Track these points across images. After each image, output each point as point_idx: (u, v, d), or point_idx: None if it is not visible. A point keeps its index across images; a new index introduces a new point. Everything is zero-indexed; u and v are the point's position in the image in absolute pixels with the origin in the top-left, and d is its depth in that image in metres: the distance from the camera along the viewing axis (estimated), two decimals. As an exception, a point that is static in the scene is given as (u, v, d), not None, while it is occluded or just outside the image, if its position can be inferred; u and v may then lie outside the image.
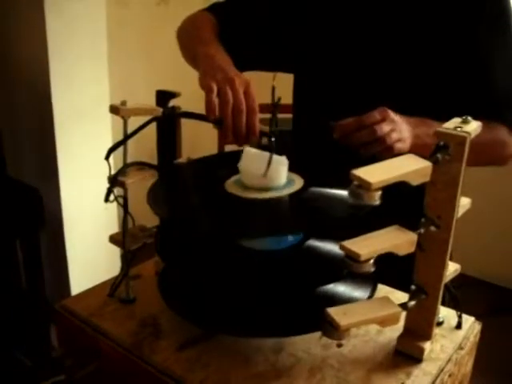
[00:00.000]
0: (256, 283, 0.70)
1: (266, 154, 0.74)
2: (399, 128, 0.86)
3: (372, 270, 0.58)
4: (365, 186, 0.56)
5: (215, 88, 0.78)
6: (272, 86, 0.74)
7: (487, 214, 2.49)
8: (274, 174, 0.74)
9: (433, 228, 0.64)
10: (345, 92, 1.05)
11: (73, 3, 2.01)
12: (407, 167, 0.60)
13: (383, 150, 0.84)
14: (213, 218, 0.72)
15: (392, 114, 0.86)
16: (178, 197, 0.78)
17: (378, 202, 0.56)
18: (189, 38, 1.08)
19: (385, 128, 0.83)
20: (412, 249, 0.62)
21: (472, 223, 1.11)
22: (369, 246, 0.58)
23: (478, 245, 2.58)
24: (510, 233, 2.72)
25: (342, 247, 0.58)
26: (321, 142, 0.83)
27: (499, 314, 2.59)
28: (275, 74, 0.77)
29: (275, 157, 0.74)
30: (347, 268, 0.58)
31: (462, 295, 0.77)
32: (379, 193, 0.56)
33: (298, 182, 0.77)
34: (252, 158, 0.74)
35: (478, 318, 0.80)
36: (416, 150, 0.89)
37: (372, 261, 0.58)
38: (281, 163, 0.75)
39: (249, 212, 0.72)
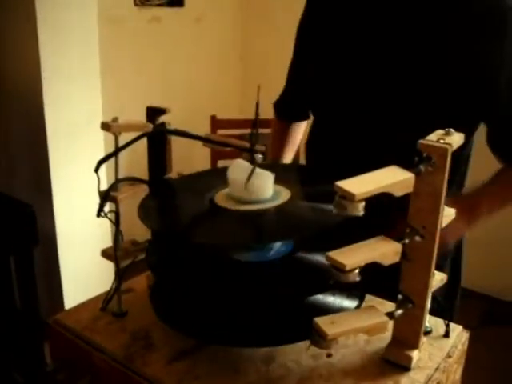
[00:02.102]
0: (245, 294, 0.71)
1: (251, 167, 0.75)
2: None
3: (357, 279, 0.59)
4: (349, 197, 0.57)
5: None
6: (256, 102, 0.75)
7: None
8: (258, 187, 0.75)
9: (417, 238, 0.66)
10: (360, 123, 1.03)
11: (66, 20, 2.04)
12: (390, 179, 0.61)
13: None
14: (200, 229, 0.74)
15: None
16: (167, 210, 0.79)
17: (361, 213, 0.58)
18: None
19: None
20: (397, 259, 0.63)
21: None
22: (354, 256, 0.60)
23: (469, 255, 2.59)
24: (502, 243, 2.74)
25: (327, 257, 0.60)
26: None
27: (491, 324, 2.60)
28: (259, 88, 0.76)
29: (261, 170, 0.76)
30: (333, 278, 0.59)
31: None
32: (363, 204, 0.58)
33: (285, 195, 0.78)
34: (239, 171, 0.76)
35: (470, 329, 0.81)
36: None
37: (357, 271, 0.59)
38: (266, 177, 0.76)
39: (236, 223, 0.74)
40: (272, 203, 0.76)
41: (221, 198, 0.78)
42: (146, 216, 0.72)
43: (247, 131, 2.67)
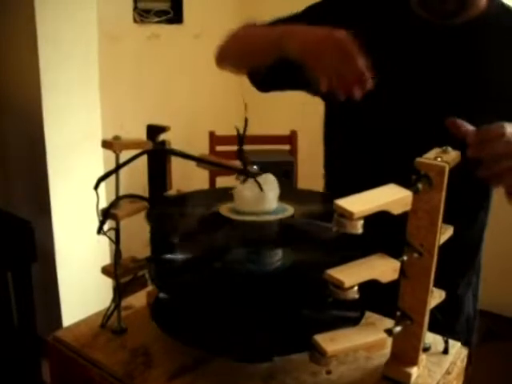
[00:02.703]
0: (246, 307, 0.72)
1: (259, 181, 0.77)
2: None
3: (356, 296, 0.60)
4: (347, 215, 0.58)
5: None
6: (245, 118, 0.76)
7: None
8: (264, 200, 0.77)
9: (416, 255, 0.67)
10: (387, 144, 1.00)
11: (66, 35, 2.06)
12: (388, 197, 0.62)
13: (507, 169, 0.75)
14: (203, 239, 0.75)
15: None
16: (175, 224, 0.80)
17: (360, 231, 0.58)
18: (244, 35, 1.07)
19: None
20: (395, 276, 0.64)
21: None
22: (353, 273, 0.60)
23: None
24: (501, 258, 2.74)
25: (326, 275, 0.60)
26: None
27: (491, 340, 2.59)
28: (246, 105, 0.78)
29: (267, 184, 0.77)
30: (332, 295, 0.60)
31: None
32: (361, 222, 0.58)
33: (290, 210, 0.80)
34: (245, 185, 0.77)
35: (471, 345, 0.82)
36: None
37: (356, 288, 0.60)
38: (271, 190, 0.78)
39: (240, 233, 0.75)
40: (278, 215, 0.77)
41: (225, 209, 0.80)
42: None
43: (246, 147, 2.69)
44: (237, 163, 0.81)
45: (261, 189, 0.76)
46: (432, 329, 0.76)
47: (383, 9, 1.01)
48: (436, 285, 0.71)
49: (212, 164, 0.83)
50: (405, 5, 0.99)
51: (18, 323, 1.98)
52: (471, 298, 1.12)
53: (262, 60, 0.95)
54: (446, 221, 0.68)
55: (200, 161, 0.80)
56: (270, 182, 0.79)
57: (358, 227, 0.58)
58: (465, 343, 0.88)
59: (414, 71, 0.98)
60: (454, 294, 1.07)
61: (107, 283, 1.80)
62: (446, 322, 0.78)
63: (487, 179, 0.76)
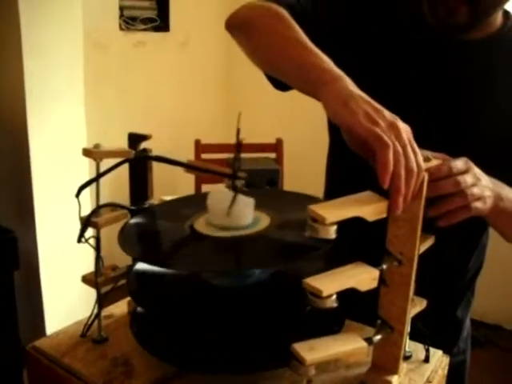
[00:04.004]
0: (225, 320, 0.71)
1: (231, 194, 0.76)
2: (481, 184, 0.75)
3: (335, 305, 0.60)
4: (320, 220, 0.58)
5: (386, 140, 0.62)
6: (237, 128, 0.76)
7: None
8: (238, 214, 0.76)
9: (395, 263, 0.67)
10: None
11: (51, 44, 2.05)
12: (363, 203, 0.62)
13: (459, 208, 0.73)
14: (179, 256, 0.74)
15: (475, 167, 0.75)
16: (147, 237, 0.79)
17: (333, 237, 0.58)
18: (280, 37, 0.85)
19: (468, 180, 0.73)
20: (374, 284, 0.64)
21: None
22: (331, 281, 0.60)
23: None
24: (493, 268, 2.75)
25: (304, 284, 0.60)
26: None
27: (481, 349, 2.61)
28: (240, 113, 0.76)
29: (241, 197, 0.76)
30: (310, 304, 0.60)
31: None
32: (334, 227, 0.58)
33: (265, 222, 0.79)
34: (218, 197, 0.76)
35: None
36: (495, 214, 0.80)
37: (334, 296, 0.60)
38: (246, 204, 0.77)
39: (214, 250, 0.74)
40: (251, 229, 0.76)
41: (200, 224, 0.78)
42: (125, 243, 0.72)
43: (231, 155, 2.69)
44: (225, 169, 0.80)
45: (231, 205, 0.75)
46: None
47: (399, 21, 0.99)
48: (435, 306, 0.72)
49: (198, 169, 0.83)
50: (421, 19, 0.96)
51: (0, 332, 1.96)
52: (469, 317, 1.13)
53: (290, 84, 0.83)
54: (449, 245, 0.68)
55: (188, 167, 0.79)
56: (247, 201, 0.78)
57: (331, 233, 0.58)
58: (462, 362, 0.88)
59: (423, 84, 0.96)
60: (453, 315, 1.08)
61: (91, 292, 1.78)
62: (446, 344, 0.78)
63: (436, 219, 0.74)
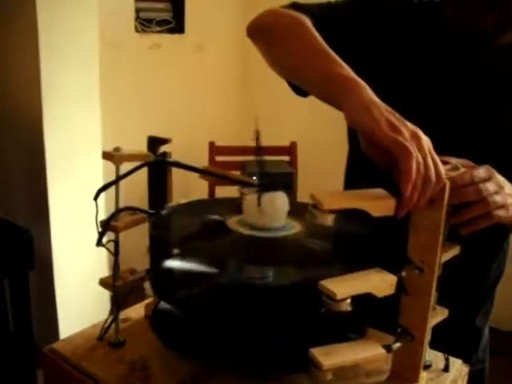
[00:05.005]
0: (250, 321, 0.71)
1: (271, 195, 0.77)
2: (504, 192, 0.74)
3: (349, 309, 0.60)
4: (319, 206, 0.59)
5: (410, 149, 0.62)
6: (256, 131, 0.76)
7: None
8: (274, 216, 0.77)
9: (416, 272, 0.66)
10: None
11: (67, 46, 2.07)
12: (368, 197, 0.63)
13: (481, 216, 0.73)
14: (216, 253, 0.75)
15: (498, 175, 0.75)
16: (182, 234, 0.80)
17: (329, 224, 0.60)
18: (303, 46, 0.84)
19: (490, 188, 0.72)
20: (391, 291, 0.63)
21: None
22: (346, 285, 0.60)
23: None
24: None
25: (320, 286, 0.60)
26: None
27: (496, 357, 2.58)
28: (256, 117, 0.76)
29: (277, 197, 0.77)
30: (325, 306, 0.60)
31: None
32: (332, 216, 0.59)
33: (296, 227, 0.80)
34: (256, 198, 0.78)
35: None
36: None
37: (349, 300, 0.60)
38: (282, 206, 0.78)
39: (251, 248, 0.75)
40: (284, 232, 0.77)
41: (233, 223, 0.79)
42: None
43: (246, 158, 2.69)
44: (243, 177, 0.80)
45: (273, 205, 0.77)
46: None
47: (421, 29, 0.98)
48: (455, 314, 0.72)
49: (218, 176, 0.83)
50: (444, 26, 0.95)
51: (15, 331, 1.97)
52: (487, 326, 1.12)
53: (312, 93, 0.83)
54: (470, 252, 0.68)
55: (205, 173, 0.79)
56: (281, 199, 0.79)
57: (328, 220, 0.59)
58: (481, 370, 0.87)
59: (446, 91, 0.95)
60: (472, 323, 1.07)
61: (104, 293, 1.80)
62: (465, 352, 0.77)
63: (458, 227, 0.73)
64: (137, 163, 0.78)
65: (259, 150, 0.76)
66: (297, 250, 0.77)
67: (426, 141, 0.65)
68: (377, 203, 0.62)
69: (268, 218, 0.77)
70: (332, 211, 0.60)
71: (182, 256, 0.75)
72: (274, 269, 0.75)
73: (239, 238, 0.76)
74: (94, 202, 0.75)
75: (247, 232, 0.77)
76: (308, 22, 0.88)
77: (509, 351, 2.69)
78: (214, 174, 0.82)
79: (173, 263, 0.79)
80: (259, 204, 0.76)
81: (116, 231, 0.75)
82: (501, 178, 0.75)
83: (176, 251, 0.75)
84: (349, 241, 0.80)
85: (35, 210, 2.16)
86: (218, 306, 0.74)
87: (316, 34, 0.84)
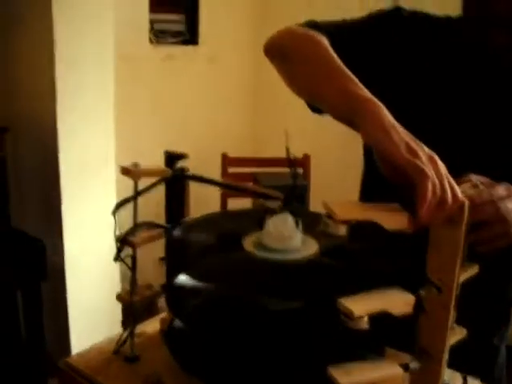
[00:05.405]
0: (263, 342, 0.70)
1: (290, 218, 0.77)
2: None
3: (366, 327, 0.60)
4: (332, 215, 0.60)
5: (427, 172, 0.63)
6: (286, 147, 0.76)
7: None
8: (294, 236, 0.77)
9: (435, 291, 0.66)
10: None
11: (83, 57, 2.09)
12: (383, 210, 0.63)
13: (499, 235, 0.73)
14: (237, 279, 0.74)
15: None
16: (197, 255, 0.79)
17: (343, 234, 0.61)
18: (321, 66, 0.84)
19: (510, 206, 0.72)
20: (408, 310, 0.63)
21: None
22: (364, 304, 0.60)
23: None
24: None
25: (338, 303, 0.60)
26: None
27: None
28: (286, 131, 0.76)
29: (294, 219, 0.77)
30: (343, 324, 0.60)
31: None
32: (345, 226, 0.61)
33: (313, 245, 0.79)
34: (276, 221, 0.77)
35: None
36: None
37: (366, 318, 0.60)
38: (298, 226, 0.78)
39: (266, 274, 0.74)
40: (304, 252, 0.77)
41: (250, 244, 0.78)
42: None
43: (258, 170, 2.69)
44: (266, 190, 0.80)
45: (297, 225, 0.76)
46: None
47: (440, 48, 0.98)
48: (472, 333, 0.71)
49: (238, 190, 0.83)
50: (462, 41, 0.96)
51: (27, 341, 1.98)
52: (505, 347, 1.11)
53: (329, 113, 0.82)
54: (487, 272, 0.69)
55: (225, 187, 0.79)
56: (292, 221, 0.78)
57: (342, 230, 0.61)
58: None
59: (462, 109, 0.95)
60: (490, 343, 1.06)
61: (117, 305, 1.80)
62: (482, 371, 0.76)
63: (476, 245, 0.72)
64: (154, 178, 0.79)
65: (292, 162, 0.76)
66: (313, 275, 0.76)
67: (442, 165, 0.66)
68: (390, 216, 0.63)
69: (283, 240, 0.77)
70: (345, 222, 0.61)
71: (194, 275, 0.74)
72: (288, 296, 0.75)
73: (254, 261, 0.75)
74: (106, 215, 0.75)
75: (262, 254, 0.76)
76: (325, 41, 0.88)
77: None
78: (234, 188, 0.82)
79: (185, 281, 0.78)
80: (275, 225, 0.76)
81: (133, 246, 0.75)
82: None
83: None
84: (366, 260, 0.79)
85: (49, 221, 2.17)
86: (229, 328, 0.74)
87: (333, 53, 0.85)
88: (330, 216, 0.60)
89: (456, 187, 0.65)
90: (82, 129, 2.11)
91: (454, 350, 0.72)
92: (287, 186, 1.60)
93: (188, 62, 3.16)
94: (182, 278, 0.76)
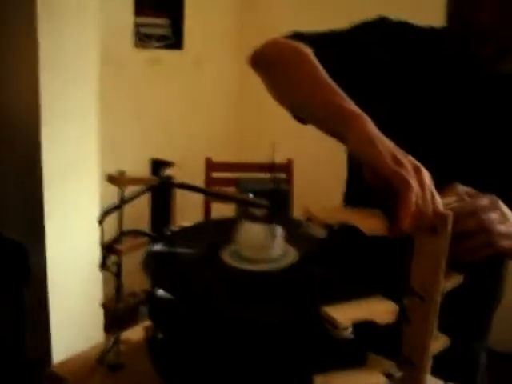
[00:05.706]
0: (246, 353, 0.71)
1: (265, 226, 0.76)
2: (510, 223, 0.74)
3: (350, 335, 0.61)
4: (312, 218, 0.63)
5: (411, 183, 0.64)
6: (272, 161, 0.77)
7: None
8: (272, 246, 0.76)
9: (417, 300, 0.67)
10: None
11: (67, 60, 2.07)
12: (363, 215, 0.65)
13: (483, 245, 0.73)
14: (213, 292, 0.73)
15: (503, 206, 0.75)
16: (175, 267, 0.79)
17: (322, 236, 0.64)
18: (306, 78, 0.84)
19: (493, 217, 0.73)
20: (392, 319, 0.64)
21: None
22: (348, 312, 0.61)
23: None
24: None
25: (321, 311, 0.61)
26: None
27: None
28: (273, 144, 0.77)
29: (273, 228, 0.77)
30: (327, 332, 0.61)
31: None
32: (325, 229, 0.64)
33: (293, 254, 0.79)
34: (250, 230, 0.76)
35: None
36: None
37: (350, 327, 0.60)
38: (278, 234, 0.77)
39: (245, 285, 0.73)
40: (284, 261, 0.76)
41: (227, 255, 0.78)
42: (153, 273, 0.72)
43: (242, 175, 2.70)
44: (256, 200, 0.80)
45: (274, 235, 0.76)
46: None
47: (425, 58, 0.99)
48: (452, 339, 0.72)
49: (226, 199, 0.83)
50: (447, 52, 0.97)
51: (8, 346, 1.96)
52: (485, 350, 1.12)
53: (314, 124, 0.83)
54: (468, 280, 0.70)
55: (212, 195, 0.80)
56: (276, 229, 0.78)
57: (321, 232, 0.64)
58: None
59: (447, 121, 0.96)
60: (470, 349, 1.07)
61: (99, 311, 1.78)
62: (463, 377, 0.77)
63: (460, 255, 0.73)
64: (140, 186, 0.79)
65: (273, 168, 0.76)
66: (294, 283, 0.75)
67: (427, 176, 0.67)
68: (368, 221, 0.64)
69: (259, 250, 0.77)
70: (326, 225, 0.62)
71: (172, 288, 0.73)
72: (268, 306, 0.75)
73: (231, 272, 0.75)
74: (89, 220, 0.75)
75: (241, 266, 0.75)
76: (310, 53, 0.89)
77: (506, 373, 2.68)
78: (221, 196, 0.82)
79: (164, 294, 0.77)
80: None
81: (119, 254, 0.75)
82: (506, 210, 0.75)
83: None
84: (348, 267, 0.80)
85: (31, 228, 2.15)
86: (207, 340, 0.74)
87: (318, 65, 0.85)
88: (309, 219, 0.62)
89: (438, 199, 0.66)
90: (66, 133, 2.10)
91: (436, 356, 0.73)
92: (268, 191, 1.60)
93: (173, 66, 3.16)
94: (161, 291, 0.76)
